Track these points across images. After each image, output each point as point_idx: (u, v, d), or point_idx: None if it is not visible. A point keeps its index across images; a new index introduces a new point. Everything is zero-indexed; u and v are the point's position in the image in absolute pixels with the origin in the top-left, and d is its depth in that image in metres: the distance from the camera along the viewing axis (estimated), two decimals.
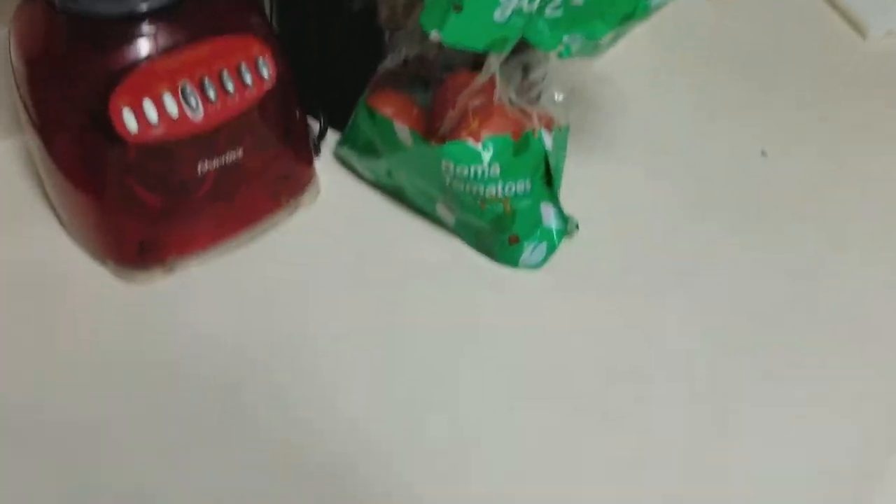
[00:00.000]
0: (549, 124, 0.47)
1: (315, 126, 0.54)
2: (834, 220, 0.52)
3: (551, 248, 0.49)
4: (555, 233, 0.49)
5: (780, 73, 0.63)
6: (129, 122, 0.41)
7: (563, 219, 0.49)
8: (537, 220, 0.48)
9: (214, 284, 0.47)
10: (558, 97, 0.49)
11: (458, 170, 0.45)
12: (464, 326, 0.45)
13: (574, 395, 0.43)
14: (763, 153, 0.56)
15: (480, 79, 0.44)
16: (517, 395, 0.43)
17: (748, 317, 0.47)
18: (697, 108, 0.60)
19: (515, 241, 0.48)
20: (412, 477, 0.39)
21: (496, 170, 0.45)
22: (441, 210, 0.49)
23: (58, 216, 0.49)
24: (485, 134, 0.45)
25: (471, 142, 0.45)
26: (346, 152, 0.52)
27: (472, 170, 0.45)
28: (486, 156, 0.45)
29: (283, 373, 0.43)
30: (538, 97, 0.49)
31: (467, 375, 0.43)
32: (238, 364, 0.43)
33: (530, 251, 0.48)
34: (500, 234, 0.47)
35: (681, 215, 0.52)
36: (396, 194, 0.51)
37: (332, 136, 0.54)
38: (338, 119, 0.53)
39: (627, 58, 0.63)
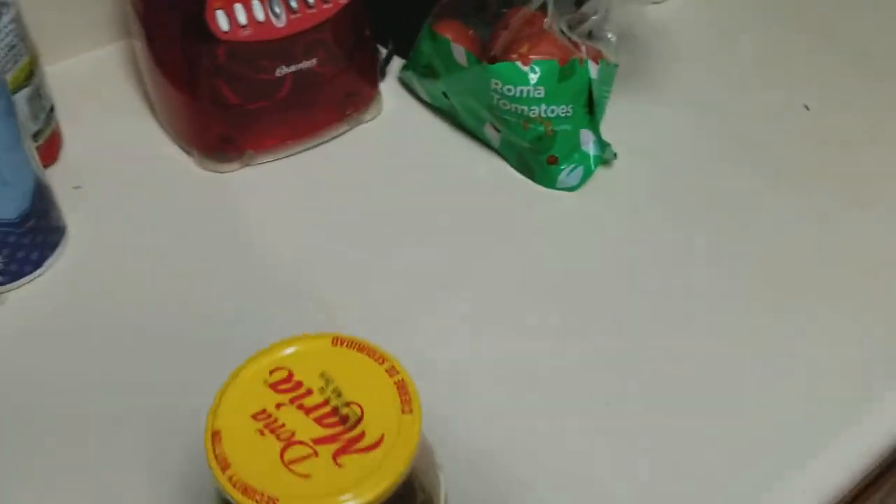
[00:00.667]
0: (595, 57, 0.51)
1: (383, 53, 0.60)
2: (863, 177, 0.54)
3: (587, 173, 0.53)
4: (592, 158, 0.53)
5: (835, 29, 0.65)
6: (222, 22, 0.48)
7: (602, 147, 0.53)
8: (576, 145, 0.52)
9: (282, 179, 0.53)
10: (611, 37, 0.53)
11: (505, 89, 0.49)
12: (498, 238, 0.50)
13: (593, 307, 0.46)
14: (805, 107, 0.59)
15: (534, 5, 0.49)
16: (540, 302, 0.46)
17: (769, 256, 0.49)
18: (748, 60, 0.63)
19: (554, 161, 0.52)
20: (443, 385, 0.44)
21: (541, 92, 0.49)
22: (488, 130, 0.53)
23: (154, 111, 0.56)
24: (533, 58, 0.49)
25: (519, 63, 0.49)
26: (409, 75, 0.57)
27: (519, 90, 0.49)
28: (533, 77, 0.49)
29: (328, 259, 0.48)
30: (589, 35, 0.53)
31: (494, 280, 0.48)
32: (296, 246, 0.49)
33: (567, 173, 0.52)
34: (540, 155, 0.52)
35: (717, 159, 0.55)
36: (450, 115, 0.56)
37: (397, 64, 0.59)
38: (403, 48, 0.58)
39: (683, 10, 0.67)
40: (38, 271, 0.47)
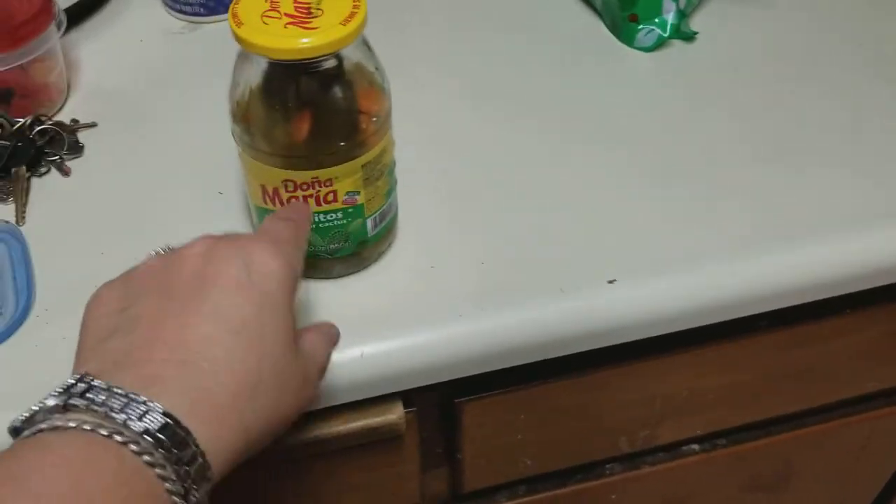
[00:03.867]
0: None
1: None
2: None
3: (661, 38, 0.61)
4: (669, 25, 0.60)
5: None
6: None
7: (681, 17, 0.60)
8: (657, 10, 0.60)
9: None
10: None
11: None
12: (572, 82, 0.59)
13: (637, 144, 0.55)
14: None
15: None
16: (595, 141, 0.55)
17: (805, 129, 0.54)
18: None
19: (634, 19, 0.60)
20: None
21: None
22: None
23: None
24: None
25: None
26: None
27: None
28: None
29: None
30: None
31: (561, 121, 0.57)
32: None
33: (644, 33, 0.61)
34: (623, 11, 0.61)
35: (795, 71, 0.60)
36: None
37: None
38: None
39: None
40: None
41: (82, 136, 0.53)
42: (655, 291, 0.45)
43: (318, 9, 0.37)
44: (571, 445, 0.56)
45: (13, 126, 0.51)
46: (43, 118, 0.52)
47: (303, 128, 0.39)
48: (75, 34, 0.62)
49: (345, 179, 0.40)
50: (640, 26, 0.61)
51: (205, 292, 0.29)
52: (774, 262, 0.47)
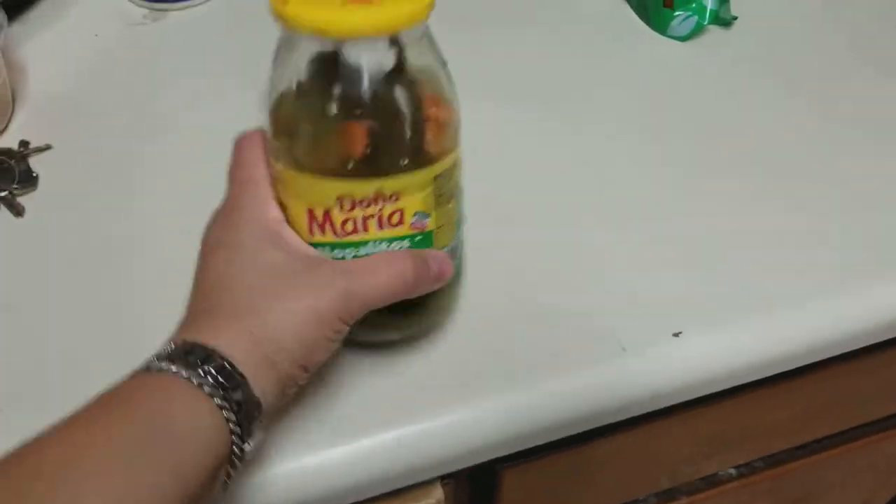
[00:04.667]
0: None
1: None
2: None
3: (699, 26, 0.53)
4: (708, 12, 0.53)
5: None
6: None
7: (721, 2, 0.53)
8: None
9: None
10: None
11: None
12: (598, 71, 0.52)
13: (672, 142, 0.48)
14: None
15: None
16: (621, 132, 0.49)
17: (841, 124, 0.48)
18: None
19: (669, 5, 0.53)
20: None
21: None
22: None
23: None
24: None
25: None
26: None
27: None
28: None
29: None
30: None
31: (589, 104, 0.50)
32: None
33: (680, 20, 0.53)
34: None
35: (838, 52, 0.54)
36: None
37: None
38: None
39: None
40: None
41: (34, 162, 0.44)
42: (721, 345, 0.39)
43: None
44: (613, 492, 0.50)
45: None
46: None
47: (361, 131, 0.32)
48: (17, 28, 0.52)
49: (414, 194, 0.32)
50: (676, 13, 0.53)
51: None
52: (851, 304, 0.41)
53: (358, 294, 0.31)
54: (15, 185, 0.43)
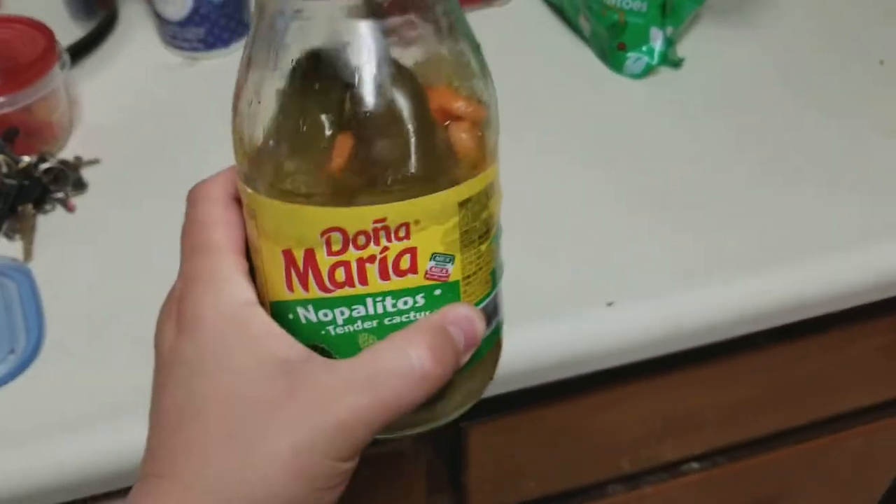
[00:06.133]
0: None
1: None
2: None
3: (649, 66, 0.62)
4: (656, 53, 0.62)
5: None
6: None
7: (668, 44, 0.62)
8: (645, 38, 0.62)
9: None
10: None
11: None
12: (564, 105, 0.60)
13: (632, 168, 0.56)
14: (881, 62, 0.64)
15: None
16: (587, 159, 0.57)
17: (794, 155, 0.56)
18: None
19: (622, 48, 0.62)
20: None
21: None
22: (581, 21, 0.65)
23: None
24: None
25: None
26: None
27: None
28: None
29: None
30: None
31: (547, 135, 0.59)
32: None
33: (633, 60, 0.62)
34: (612, 40, 0.62)
35: (782, 92, 0.62)
36: (559, 10, 0.68)
37: None
38: None
39: None
40: (227, 49, 0.66)
41: (86, 172, 0.54)
42: (653, 312, 0.46)
43: None
44: (575, 467, 0.57)
45: (18, 165, 0.52)
46: (47, 156, 0.53)
47: (347, 139, 0.23)
48: (76, 71, 0.63)
49: (430, 228, 0.23)
50: (629, 54, 0.62)
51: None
52: (773, 281, 0.48)
53: (361, 419, 0.23)
54: (69, 189, 0.52)
